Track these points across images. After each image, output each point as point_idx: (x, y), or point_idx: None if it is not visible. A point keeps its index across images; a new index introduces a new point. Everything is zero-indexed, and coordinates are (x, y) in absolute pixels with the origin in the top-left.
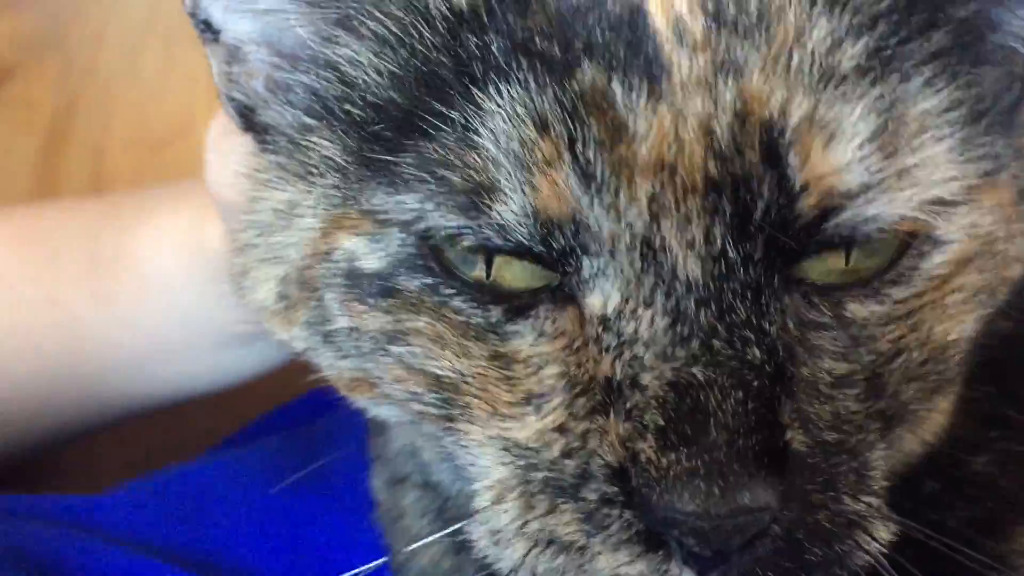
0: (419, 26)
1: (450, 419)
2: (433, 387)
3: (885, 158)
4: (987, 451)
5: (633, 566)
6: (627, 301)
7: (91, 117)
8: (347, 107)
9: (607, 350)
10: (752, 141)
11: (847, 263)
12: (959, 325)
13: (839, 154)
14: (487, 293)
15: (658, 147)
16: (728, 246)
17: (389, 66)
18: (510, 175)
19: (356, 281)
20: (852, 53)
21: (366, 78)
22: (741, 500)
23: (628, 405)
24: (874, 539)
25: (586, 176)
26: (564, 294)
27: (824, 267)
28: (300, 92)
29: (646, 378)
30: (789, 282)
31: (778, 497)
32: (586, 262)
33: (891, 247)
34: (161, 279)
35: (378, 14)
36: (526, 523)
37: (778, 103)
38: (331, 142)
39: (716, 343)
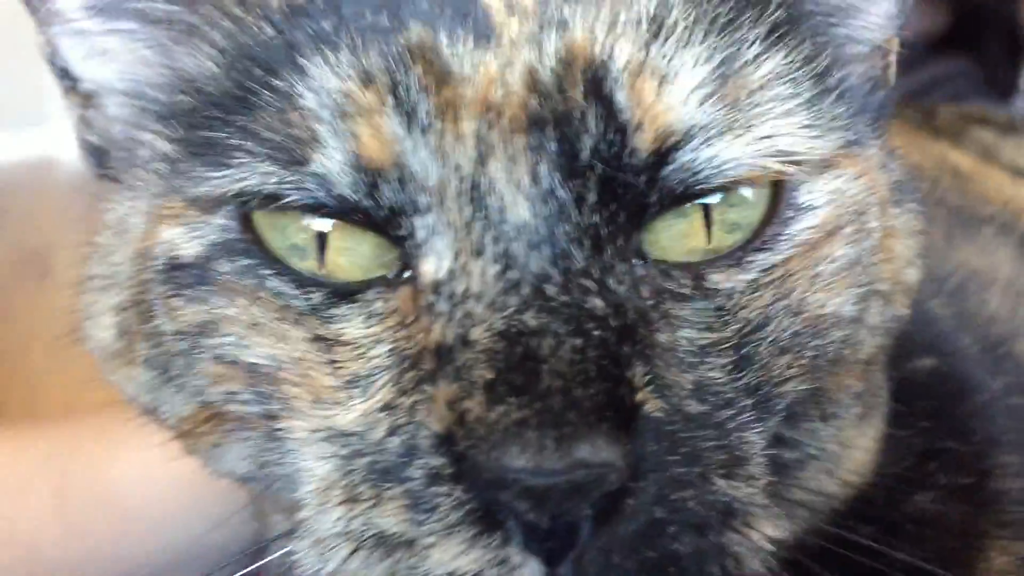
0: (255, 16)
1: (271, 416)
2: (250, 380)
3: (724, 106)
4: (930, 487)
5: (468, 555)
6: (459, 256)
7: None
8: (178, 97)
9: (439, 316)
10: (575, 81)
11: (708, 240)
12: (834, 298)
13: (673, 95)
14: (311, 278)
15: (484, 89)
16: (556, 185)
17: (222, 55)
18: (331, 125)
19: (174, 274)
20: (683, 14)
21: (199, 70)
22: (578, 453)
23: (456, 365)
24: (759, 533)
25: (409, 119)
26: (398, 279)
27: (684, 245)
28: (141, 104)
29: (475, 332)
30: (646, 257)
31: (625, 457)
32: (418, 222)
33: (753, 219)
34: (141, 512)
35: (216, 14)
36: (350, 521)
37: (603, 49)
38: (158, 136)
39: (549, 288)
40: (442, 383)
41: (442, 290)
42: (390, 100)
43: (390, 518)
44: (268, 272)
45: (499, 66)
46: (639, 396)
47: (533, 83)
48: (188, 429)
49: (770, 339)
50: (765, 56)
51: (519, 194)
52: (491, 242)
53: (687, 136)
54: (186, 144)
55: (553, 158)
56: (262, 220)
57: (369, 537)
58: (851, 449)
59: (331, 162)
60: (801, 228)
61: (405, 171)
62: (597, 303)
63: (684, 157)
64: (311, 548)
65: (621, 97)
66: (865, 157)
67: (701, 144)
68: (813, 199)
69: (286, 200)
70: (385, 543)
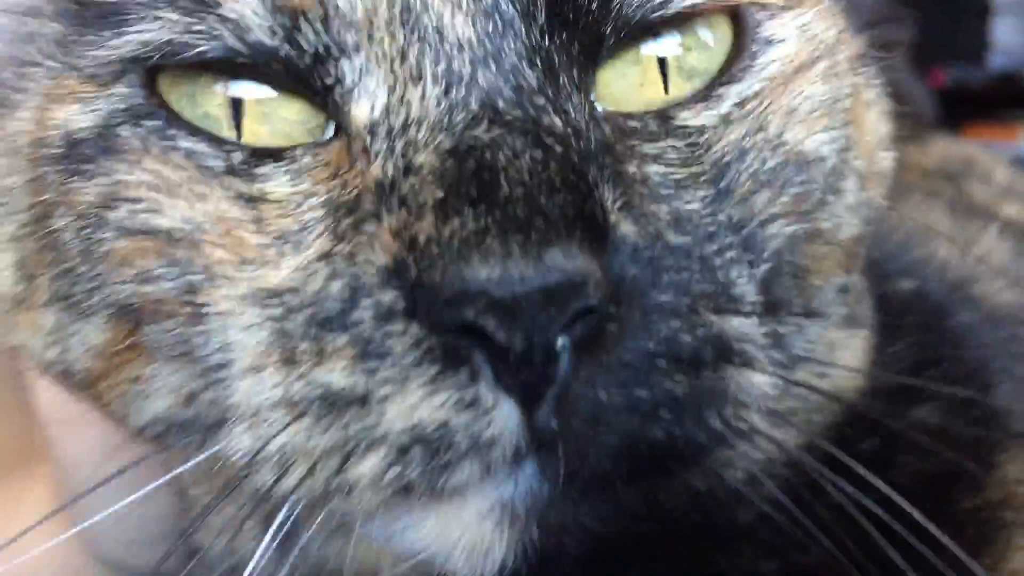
0: None
1: (191, 290)
2: (165, 251)
3: None
4: (929, 399)
5: (430, 402)
6: (395, 89)
7: None
8: None
9: (377, 156)
10: None
11: (666, 90)
12: (813, 135)
13: None
14: (229, 140)
15: None
16: (502, 5)
17: None
18: None
19: (71, 153)
20: None
21: None
22: (549, 258)
23: (401, 194)
24: (760, 376)
25: None
26: (328, 139)
27: (641, 96)
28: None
29: (420, 157)
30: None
31: (602, 269)
32: (346, 66)
33: (713, 64)
34: None
35: None
36: (289, 386)
37: None
38: (43, 22)
39: (500, 103)
40: (386, 217)
41: (378, 129)
42: None
43: (336, 373)
44: (179, 132)
45: None
46: (612, 217)
47: None
48: (104, 367)
49: (749, 171)
50: None
51: (458, 11)
52: (430, 64)
53: None
54: (75, 19)
55: None
56: (169, 89)
57: (313, 400)
58: (841, 352)
59: (244, 4)
60: (770, 60)
61: (328, 6)
62: (556, 120)
63: None
64: (245, 431)
65: None
66: (828, 6)
67: None
68: (779, 33)
69: (195, 51)
70: (333, 404)
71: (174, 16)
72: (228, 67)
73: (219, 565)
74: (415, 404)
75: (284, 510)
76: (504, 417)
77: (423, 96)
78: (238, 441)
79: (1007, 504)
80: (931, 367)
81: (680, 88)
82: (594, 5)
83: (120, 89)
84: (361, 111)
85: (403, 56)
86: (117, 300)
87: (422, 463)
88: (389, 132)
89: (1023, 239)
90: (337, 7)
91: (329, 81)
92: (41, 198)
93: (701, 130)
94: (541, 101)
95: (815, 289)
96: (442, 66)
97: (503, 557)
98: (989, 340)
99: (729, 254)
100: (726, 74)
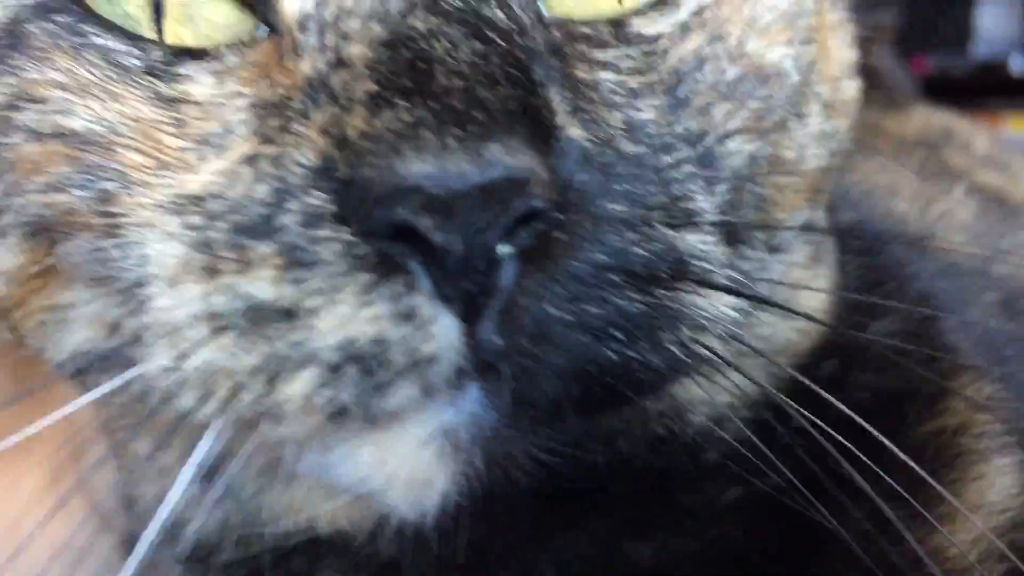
0: None
1: (105, 198)
2: (78, 154)
3: None
4: (883, 316)
5: (363, 313)
6: None
7: None
8: None
9: (306, 51)
10: None
11: (620, 1)
12: (774, 48)
13: None
14: (148, 38)
15: None
16: None
17: None
18: None
19: None
20: None
21: None
22: (489, 153)
23: (331, 89)
24: (718, 296)
25: None
26: (255, 40)
27: (592, 5)
28: None
29: (353, 49)
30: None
31: (547, 169)
32: None
33: None
34: None
35: None
36: (209, 298)
37: None
38: None
39: None
40: (314, 114)
41: (308, 23)
42: None
43: (260, 283)
44: (93, 28)
45: None
46: (559, 119)
47: None
48: (20, 294)
49: (707, 82)
50: None
51: None
52: None
53: None
54: None
55: None
56: None
57: (236, 313)
58: (804, 293)
59: None
60: None
61: None
62: (498, 13)
63: None
64: (164, 350)
65: None
66: None
67: None
68: None
69: None
70: (258, 318)
71: None
72: None
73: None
74: (347, 317)
75: (206, 437)
76: (444, 331)
77: None
78: (155, 361)
79: (964, 431)
80: (880, 287)
81: (633, 1)
82: None
83: None
84: (291, 5)
85: None
86: (28, 215)
87: (356, 383)
88: (320, 25)
89: (993, 202)
90: None
91: None
92: None
93: (656, 38)
94: None
95: (776, 221)
96: None
97: (445, 490)
98: (938, 284)
99: (686, 168)
100: None
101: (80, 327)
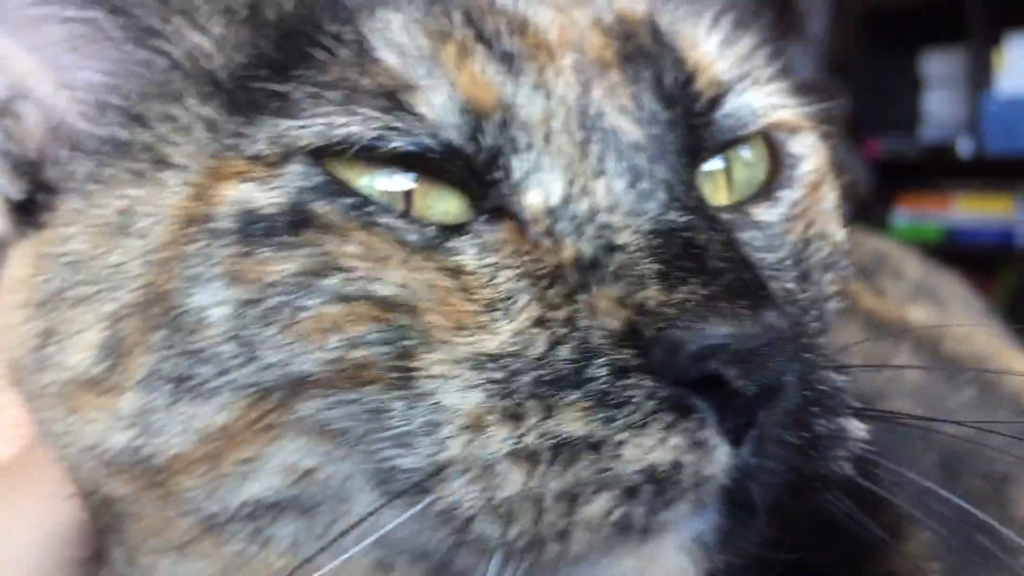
0: None
1: (405, 354)
2: (381, 317)
3: (737, 63)
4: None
5: (666, 445)
6: (572, 182)
7: None
8: (204, 65)
9: (563, 237)
10: (639, 29)
11: (729, 184)
12: (838, 230)
13: (707, 50)
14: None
15: (563, 32)
16: (659, 109)
17: (248, 19)
18: (428, 73)
19: (253, 228)
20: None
21: (213, 39)
22: (765, 318)
23: (611, 269)
24: (854, 422)
25: (504, 61)
26: (493, 215)
27: (716, 199)
28: (124, 90)
29: (623, 237)
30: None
31: (789, 325)
32: (515, 163)
33: (759, 175)
34: None
35: None
36: (520, 438)
37: (646, 11)
38: (192, 103)
39: (679, 192)
40: (599, 288)
41: (559, 213)
42: (480, 48)
43: (574, 423)
44: (375, 208)
45: (564, 16)
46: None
47: (604, 30)
48: (207, 449)
49: (815, 258)
50: (737, 36)
51: (625, 118)
52: (613, 161)
53: (729, 86)
54: (229, 103)
55: (650, 87)
56: (339, 170)
57: (547, 449)
58: None
59: (434, 108)
60: (803, 172)
61: (509, 111)
62: (709, 206)
63: (729, 104)
64: (472, 483)
65: (679, 45)
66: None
67: (738, 92)
68: (800, 150)
69: (391, 146)
70: (568, 451)
71: (374, 113)
72: (395, 157)
73: None
74: (650, 447)
75: (495, 560)
76: (721, 456)
77: (608, 189)
78: (462, 494)
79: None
80: None
81: (741, 193)
82: (699, 106)
83: (295, 168)
84: (535, 198)
85: (583, 155)
86: (280, 373)
87: (647, 502)
88: (573, 217)
89: (931, 350)
90: (517, 111)
91: (498, 175)
92: (167, 275)
93: (771, 225)
94: (697, 192)
95: (839, 278)
96: (624, 164)
97: None
98: (886, 438)
99: (814, 325)
100: (775, 182)
101: (266, 476)
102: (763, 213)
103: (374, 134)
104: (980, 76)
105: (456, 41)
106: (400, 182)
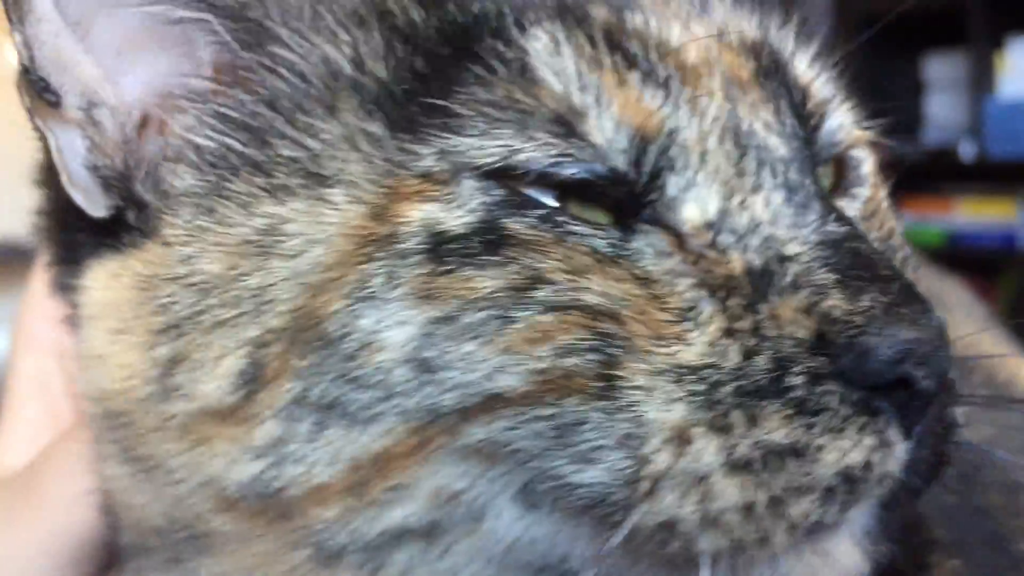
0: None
1: (611, 363)
2: (590, 325)
3: (827, 83)
4: None
5: (860, 446)
6: (729, 198)
7: None
8: (354, 77)
9: (728, 249)
10: (760, 48)
11: None
12: (898, 226)
13: (808, 73)
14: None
15: (701, 52)
16: (796, 126)
17: (412, 32)
18: (596, 100)
19: (444, 250)
20: (779, 32)
21: (367, 51)
22: (935, 320)
23: (788, 280)
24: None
25: (661, 85)
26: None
27: None
28: (270, 97)
29: (792, 248)
30: None
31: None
32: (672, 180)
33: (827, 174)
34: None
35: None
36: (732, 449)
37: (760, 29)
38: (349, 117)
39: (829, 203)
40: (782, 300)
41: (719, 227)
42: (634, 75)
43: (779, 431)
44: (564, 218)
45: (690, 31)
46: None
47: (734, 48)
48: (356, 477)
49: (898, 252)
50: (819, 54)
51: (771, 134)
52: (769, 175)
53: (826, 106)
54: (388, 119)
55: (787, 105)
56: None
57: (758, 459)
58: None
59: (607, 135)
60: (868, 171)
61: (671, 135)
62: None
63: (828, 123)
64: (685, 496)
65: (793, 66)
66: None
67: (834, 113)
68: (859, 153)
69: (567, 173)
70: (775, 459)
71: (550, 139)
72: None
73: None
74: (847, 450)
75: (703, 566)
76: (900, 453)
77: (767, 202)
78: (676, 508)
79: None
80: None
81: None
82: (815, 143)
83: (472, 184)
84: (691, 213)
85: (739, 171)
86: (468, 393)
87: (840, 501)
88: (734, 230)
89: None
90: (676, 133)
91: (654, 196)
92: (327, 297)
93: (856, 220)
94: (833, 202)
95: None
96: (779, 179)
97: None
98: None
99: None
100: (844, 181)
101: (411, 502)
102: (847, 207)
103: (550, 161)
104: (982, 80)
105: (611, 66)
106: (549, 201)
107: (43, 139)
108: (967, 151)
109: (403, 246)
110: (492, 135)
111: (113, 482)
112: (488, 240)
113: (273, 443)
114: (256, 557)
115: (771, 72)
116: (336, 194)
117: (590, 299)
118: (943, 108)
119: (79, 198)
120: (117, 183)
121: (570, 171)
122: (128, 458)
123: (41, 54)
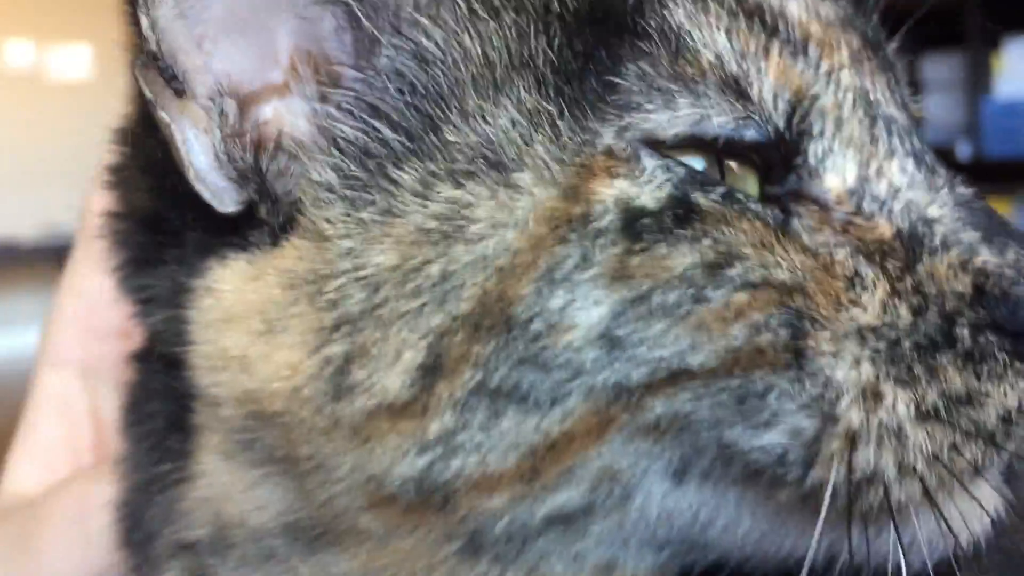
0: None
1: (800, 335)
2: (781, 300)
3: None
4: None
5: (1015, 390)
6: (866, 164)
7: None
8: (531, 56)
9: (872, 215)
10: (855, 24)
11: None
12: None
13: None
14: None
15: (822, 25)
16: (905, 95)
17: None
18: (756, 68)
19: (639, 227)
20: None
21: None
22: None
23: (937, 240)
24: None
25: (797, 53)
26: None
27: None
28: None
29: (933, 211)
30: None
31: None
32: (812, 147)
33: None
34: None
35: None
36: (922, 400)
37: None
38: (525, 98)
39: (947, 171)
40: (932, 258)
41: (862, 192)
42: (776, 43)
43: (955, 380)
44: (740, 195)
45: (809, 9)
46: None
47: (842, 23)
48: (537, 459)
49: None
50: None
51: (891, 103)
52: (898, 142)
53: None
54: (563, 98)
55: (896, 78)
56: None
57: (943, 408)
58: None
59: (766, 98)
60: None
61: (812, 99)
62: None
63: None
64: (882, 447)
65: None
66: None
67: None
68: None
69: (746, 139)
70: (954, 406)
71: (727, 105)
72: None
73: None
74: (1008, 392)
75: (912, 514)
76: None
77: (902, 169)
78: (875, 461)
79: None
80: None
81: None
82: None
83: (650, 161)
84: (833, 181)
85: (872, 137)
86: (657, 369)
87: (999, 444)
88: (875, 196)
89: None
90: (816, 97)
91: (799, 161)
92: (516, 280)
93: None
94: None
95: None
96: (907, 146)
97: (991, 525)
98: None
99: None
100: None
101: (575, 485)
102: None
103: (733, 126)
104: (979, 80)
105: (757, 34)
106: (698, 165)
107: (116, 138)
108: (963, 151)
109: (598, 224)
110: (673, 106)
111: (218, 486)
112: (679, 215)
113: (444, 434)
114: (398, 553)
115: (877, 46)
116: (523, 177)
117: (780, 275)
118: (940, 108)
119: (207, 195)
120: (254, 177)
121: (749, 135)
122: (270, 459)
123: (168, 39)
